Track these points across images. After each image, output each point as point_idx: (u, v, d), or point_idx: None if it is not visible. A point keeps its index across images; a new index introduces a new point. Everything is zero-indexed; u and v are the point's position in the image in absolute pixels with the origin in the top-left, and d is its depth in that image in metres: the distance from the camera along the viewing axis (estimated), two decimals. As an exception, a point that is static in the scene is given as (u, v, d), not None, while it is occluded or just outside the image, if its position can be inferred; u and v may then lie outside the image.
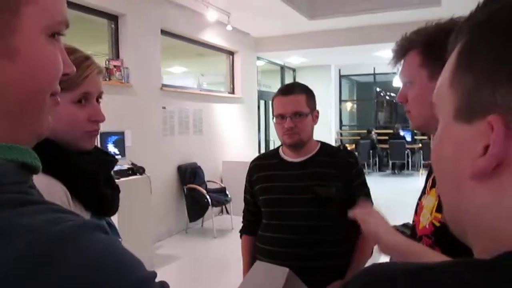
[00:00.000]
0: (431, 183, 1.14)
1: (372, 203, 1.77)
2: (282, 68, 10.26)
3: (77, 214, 0.47)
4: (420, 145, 11.95)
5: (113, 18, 5.03)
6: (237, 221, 6.16)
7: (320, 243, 1.65)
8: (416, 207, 1.22)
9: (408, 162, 11.55)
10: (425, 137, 12.37)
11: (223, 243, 5.59)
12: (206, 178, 6.24)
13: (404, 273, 0.40)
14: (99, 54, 5.28)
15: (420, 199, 1.21)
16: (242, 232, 1.93)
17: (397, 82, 8.24)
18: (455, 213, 0.46)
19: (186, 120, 6.15)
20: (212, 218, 5.87)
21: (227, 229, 6.08)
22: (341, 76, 12.53)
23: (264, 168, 1.81)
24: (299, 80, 10.73)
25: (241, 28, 7.39)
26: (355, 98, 16.13)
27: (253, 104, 8.29)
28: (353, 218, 1.11)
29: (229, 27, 6.47)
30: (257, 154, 8.39)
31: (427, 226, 1.07)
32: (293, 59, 9.62)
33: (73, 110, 0.99)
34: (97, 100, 1.05)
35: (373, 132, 12.24)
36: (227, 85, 7.79)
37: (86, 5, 4.59)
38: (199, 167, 6.20)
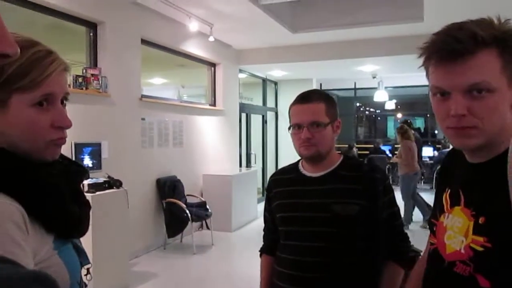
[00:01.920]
0: (449, 201, 1.03)
1: (403, 224, 1.63)
2: (264, 81, 10.21)
3: (13, 262, 0.33)
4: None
5: (92, 26, 4.87)
6: (218, 237, 6.07)
7: (340, 267, 1.48)
8: (432, 228, 1.10)
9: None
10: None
11: (203, 260, 5.41)
12: (186, 192, 6.07)
13: None
14: (77, 63, 5.10)
15: (434, 218, 1.10)
16: (262, 251, 1.80)
17: (378, 97, 8.32)
18: None
19: (166, 132, 5.99)
20: (192, 233, 5.69)
21: (207, 245, 5.91)
22: (322, 90, 12.57)
23: (282, 183, 1.67)
24: (281, 93, 10.72)
25: (223, 39, 7.31)
26: (335, 113, 16.21)
27: (235, 117, 8.18)
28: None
29: (211, 39, 6.38)
30: (238, 168, 8.33)
31: (462, 250, 0.94)
32: (275, 72, 9.59)
33: (32, 114, 0.82)
34: (62, 103, 0.88)
35: (354, 148, 12.29)
36: (208, 97, 7.67)
37: (64, 11, 4.43)
38: (179, 181, 6.03)
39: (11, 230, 0.72)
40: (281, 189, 1.66)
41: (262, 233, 1.84)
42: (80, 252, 0.93)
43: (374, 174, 1.55)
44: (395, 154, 8.09)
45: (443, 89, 0.92)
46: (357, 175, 1.54)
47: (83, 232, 0.94)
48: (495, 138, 0.92)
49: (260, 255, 1.80)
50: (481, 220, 0.90)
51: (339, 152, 1.67)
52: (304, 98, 1.57)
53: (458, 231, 0.96)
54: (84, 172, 1.00)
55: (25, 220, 0.76)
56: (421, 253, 1.88)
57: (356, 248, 1.50)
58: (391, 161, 7.86)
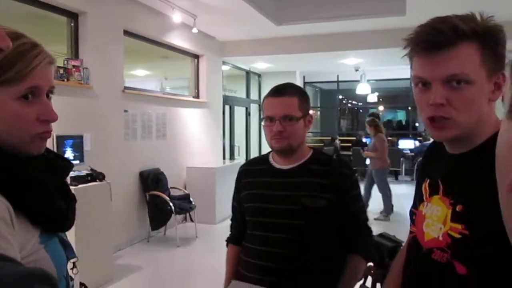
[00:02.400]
0: (428, 190, 1.06)
1: (367, 219, 1.66)
2: (248, 73, 10.19)
3: (16, 261, 0.33)
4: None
5: (73, 16, 4.78)
6: (202, 229, 6.06)
7: (306, 259, 1.52)
8: (412, 217, 1.13)
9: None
10: (388, 145, 12.64)
11: (187, 252, 5.41)
12: (169, 185, 6.05)
13: None
14: (57, 54, 5.00)
15: (414, 207, 1.13)
16: (228, 240, 1.81)
17: (361, 90, 8.36)
18: (509, 227, 0.38)
19: (149, 124, 5.95)
20: (176, 226, 5.68)
21: (191, 237, 5.91)
22: (305, 83, 12.60)
23: (252, 174, 1.69)
24: (264, 86, 10.72)
25: (207, 31, 7.26)
26: (318, 105, 16.30)
27: (218, 109, 8.16)
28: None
29: (194, 30, 6.33)
30: (221, 160, 8.32)
31: (440, 238, 0.97)
32: (258, 64, 9.57)
33: (18, 107, 0.81)
34: (48, 96, 0.87)
35: (337, 140, 12.38)
36: (192, 89, 7.62)
37: (44, 0, 4.33)
38: (162, 173, 6.00)
39: None
40: (251, 179, 1.68)
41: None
42: (66, 246, 0.93)
43: (342, 169, 1.59)
44: (365, 148, 7.80)
45: (425, 79, 0.95)
46: (326, 169, 1.57)
47: (69, 226, 0.94)
48: (473, 130, 0.94)
49: (227, 245, 1.81)
50: (458, 208, 0.93)
51: (310, 146, 1.70)
52: (278, 91, 1.59)
53: (437, 219, 0.98)
54: (70, 167, 0.99)
55: (11, 215, 0.75)
56: (403, 244, 1.93)
57: (323, 241, 1.54)
58: (363, 155, 7.65)
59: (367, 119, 7.37)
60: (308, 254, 1.52)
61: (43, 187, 0.85)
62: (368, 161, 7.52)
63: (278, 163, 1.63)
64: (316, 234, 1.53)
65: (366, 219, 1.65)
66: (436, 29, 0.91)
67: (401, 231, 2.21)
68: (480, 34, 0.90)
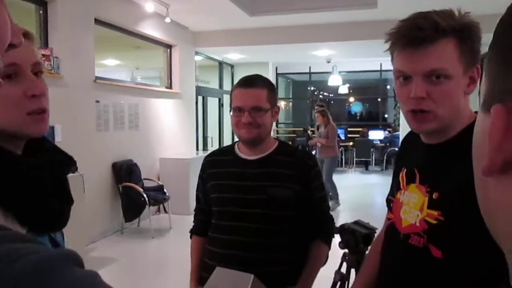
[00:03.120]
0: (405, 179, 1.11)
1: (329, 207, 1.75)
2: (221, 64, 10.15)
3: (38, 241, 0.35)
4: (352, 143, 12.42)
5: (42, 4, 4.65)
6: (176, 220, 6.05)
7: (271, 248, 1.56)
8: (389, 204, 1.19)
9: (341, 159, 11.94)
10: (358, 135, 12.90)
11: (162, 244, 5.40)
12: (142, 176, 6.00)
13: None
14: (25, 42, 4.85)
15: (392, 195, 1.18)
16: (192, 232, 1.81)
17: (332, 82, 8.39)
18: (483, 210, 0.40)
19: (121, 115, 5.86)
20: (150, 217, 5.65)
21: (165, 229, 5.89)
22: (278, 74, 12.65)
23: (217, 164, 1.71)
24: (237, 77, 10.68)
25: (180, 21, 7.18)
26: (291, 97, 16.39)
27: (191, 100, 8.11)
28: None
29: (167, 20, 6.26)
30: (195, 151, 8.26)
31: (417, 223, 1.02)
32: (231, 55, 9.54)
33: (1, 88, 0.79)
34: (36, 75, 0.82)
35: (309, 131, 12.50)
36: (165, 80, 7.54)
37: (11, -13, 4.19)
38: (135, 164, 5.94)
39: None
40: (216, 170, 1.70)
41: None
42: (57, 245, 0.90)
43: (307, 160, 1.65)
44: (314, 136, 7.73)
45: (406, 73, 0.99)
46: (292, 160, 1.62)
47: (60, 227, 0.90)
48: (449, 122, 1.00)
49: (191, 237, 1.82)
50: (435, 195, 0.99)
51: (275, 137, 1.74)
52: (248, 82, 1.61)
53: (414, 206, 1.04)
54: (72, 164, 0.94)
55: None
56: (377, 231, 2.00)
57: (289, 230, 1.59)
58: (310, 143, 7.53)
59: (319, 108, 7.27)
60: (274, 243, 1.56)
61: (35, 185, 0.80)
62: (316, 152, 7.38)
63: (244, 154, 1.65)
64: (282, 223, 1.58)
65: (328, 207, 1.74)
66: (417, 25, 0.95)
67: (373, 219, 2.29)
68: (458, 30, 0.95)
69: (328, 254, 1.69)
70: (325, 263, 1.69)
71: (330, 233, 1.69)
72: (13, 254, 0.30)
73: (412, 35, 0.95)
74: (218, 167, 1.70)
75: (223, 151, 1.79)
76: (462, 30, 0.95)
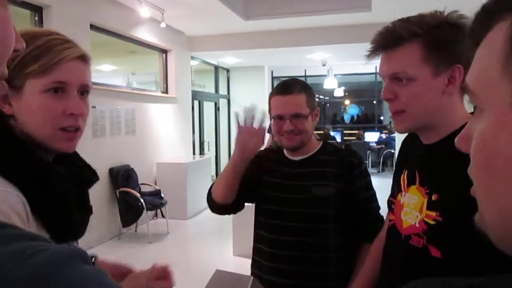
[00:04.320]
0: (406, 180, 1.13)
1: (379, 207, 1.66)
2: (216, 68, 10.16)
3: (46, 239, 0.36)
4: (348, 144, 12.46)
5: (37, 9, 4.65)
6: (173, 225, 6.05)
7: (317, 247, 1.55)
8: (390, 206, 1.20)
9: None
10: (354, 138, 12.94)
11: (159, 248, 5.39)
12: (139, 181, 6.00)
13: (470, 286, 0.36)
14: (20, 49, 4.85)
15: (393, 197, 1.19)
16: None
17: (328, 85, 8.38)
18: (509, 216, 0.40)
19: (118, 120, 5.86)
20: (147, 222, 5.65)
21: (163, 233, 5.89)
22: (273, 78, 12.68)
23: (269, 161, 1.71)
24: (233, 80, 10.72)
25: (175, 26, 7.20)
26: (286, 100, 16.38)
27: (187, 104, 8.12)
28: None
29: (163, 25, 6.27)
30: (191, 156, 8.25)
31: (416, 224, 1.03)
32: (227, 59, 9.57)
33: (44, 100, 0.80)
34: (83, 95, 0.86)
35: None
36: (161, 85, 7.55)
37: (6, -6, 4.19)
38: (132, 170, 5.94)
39: (15, 221, 0.71)
40: (266, 166, 1.69)
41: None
42: None
43: (350, 159, 1.62)
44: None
45: (382, 76, 1.07)
46: (335, 159, 1.61)
47: (79, 235, 0.93)
48: (433, 121, 1.02)
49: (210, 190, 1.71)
50: (434, 197, 1.00)
51: (318, 138, 1.73)
52: (285, 89, 1.58)
53: (414, 208, 1.05)
54: (96, 179, 0.97)
55: (27, 212, 0.74)
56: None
57: (334, 229, 1.56)
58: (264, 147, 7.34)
59: None
60: (320, 242, 1.55)
61: (62, 199, 0.82)
62: None
63: (289, 155, 1.66)
64: (327, 222, 1.55)
65: (377, 207, 1.66)
66: (383, 33, 1.03)
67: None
68: (420, 34, 0.99)
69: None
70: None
71: (377, 234, 1.62)
72: (27, 251, 0.31)
73: (378, 41, 1.03)
74: (270, 163, 1.70)
75: (274, 149, 1.77)
76: (426, 33, 0.99)
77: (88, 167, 0.98)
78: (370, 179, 1.65)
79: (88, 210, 0.94)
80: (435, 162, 1.05)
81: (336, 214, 1.56)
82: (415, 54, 0.99)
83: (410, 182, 1.10)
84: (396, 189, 1.18)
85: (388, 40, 1.01)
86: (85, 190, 0.94)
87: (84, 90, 0.87)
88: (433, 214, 0.99)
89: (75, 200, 0.87)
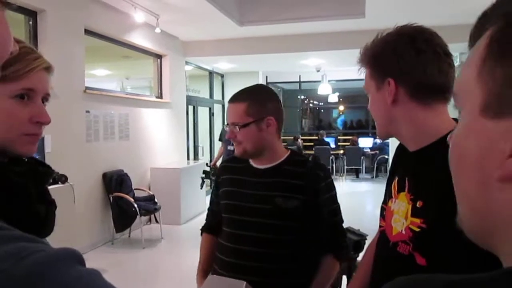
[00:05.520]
0: (397, 187, 1.13)
1: (342, 220, 1.67)
2: (211, 74, 10.18)
3: (42, 241, 0.36)
4: (343, 151, 12.50)
5: (31, 14, 4.64)
6: (167, 230, 6.03)
7: (278, 258, 1.53)
8: (382, 212, 1.20)
9: (332, 167, 11.99)
10: (348, 143, 12.98)
11: (153, 254, 5.37)
12: (133, 186, 5.97)
13: (445, 285, 0.36)
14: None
15: (385, 203, 1.20)
16: (203, 229, 1.84)
17: (322, 90, 8.48)
18: (481, 217, 0.42)
19: (111, 125, 5.85)
20: (141, 227, 5.62)
21: (156, 239, 5.86)
22: (268, 83, 12.72)
23: (230, 170, 1.71)
24: (228, 86, 10.73)
25: (170, 31, 7.21)
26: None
27: (182, 110, 8.11)
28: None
29: (158, 30, 6.28)
30: (185, 161, 8.25)
31: (403, 231, 1.04)
32: (221, 64, 9.59)
33: (11, 105, 0.83)
34: (43, 103, 0.89)
35: (299, 139, 12.56)
36: (155, 90, 7.54)
37: (0, -2, 4.18)
38: (126, 175, 5.91)
39: None
40: (229, 176, 1.70)
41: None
42: None
43: (317, 171, 1.59)
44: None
45: None
46: (301, 171, 1.58)
47: (48, 231, 0.92)
48: (393, 129, 1.10)
49: (201, 234, 1.85)
50: (418, 203, 1.01)
51: (287, 147, 1.71)
52: (232, 97, 1.62)
53: (401, 214, 1.06)
54: (51, 173, 0.99)
55: None
56: (367, 237, 2.01)
57: (295, 240, 1.55)
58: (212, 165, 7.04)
59: None
60: (280, 253, 1.54)
61: (24, 193, 0.84)
62: None
63: (255, 163, 1.65)
64: (288, 233, 1.54)
65: (341, 220, 1.66)
66: (360, 55, 1.16)
67: (364, 226, 2.31)
68: (367, 55, 1.11)
69: (338, 269, 1.64)
70: (333, 279, 1.64)
71: (342, 247, 1.63)
72: (22, 252, 0.31)
73: (360, 63, 1.15)
74: (230, 173, 1.70)
75: (239, 158, 1.73)
76: (370, 56, 1.10)
77: (43, 163, 0.99)
78: (335, 192, 1.65)
79: (51, 203, 0.94)
80: (419, 169, 1.06)
81: (298, 226, 1.55)
82: (368, 72, 1.13)
83: (400, 188, 1.11)
84: (387, 196, 1.19)
85: (360, 63, 1.15)
86: (44, 185, 0.96)
87: (44, 98, 0.90)
88: (418, 221, 1.00)
89: (36, 194, 0.88)
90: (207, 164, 6.80)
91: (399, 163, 1.22)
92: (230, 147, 6.08)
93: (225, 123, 1.69)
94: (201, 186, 6.79)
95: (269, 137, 1.59)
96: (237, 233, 1.60)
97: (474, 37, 0.44)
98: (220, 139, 6.44)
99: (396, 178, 1.15)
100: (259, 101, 1.60)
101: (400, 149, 1.24)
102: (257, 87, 1.72)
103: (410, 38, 1.03)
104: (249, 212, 1.57)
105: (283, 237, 1.55)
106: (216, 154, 6.55)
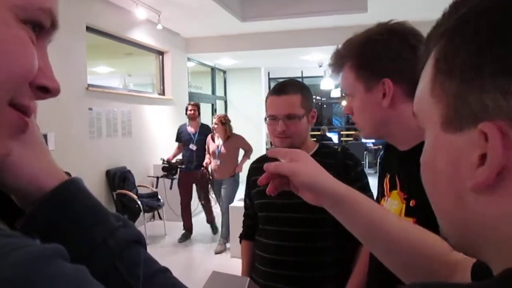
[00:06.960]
0: (389, 185, 1.13)
1: None
2: (213, 70, 10.16)
3: (28, 237, 0.35)
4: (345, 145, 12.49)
5: (33, 12, 4.64)
6: (170, 227, 6.04)
7: (314, 251, 1.54)
8: None
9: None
10: (351, 139, 12.96)
11: (156, 250, 5.38)
12: (136, 183, 5.98)
13: None
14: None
15: (377, 202, 1.20)
16: (241, 237, 1.84)
17: (324, 85, 8.44)
18: (462, 228, 0.42)
19: (114, 122, 5.85)
20: (144, 224, 5.63)
21: (160, 235, 5.88)
22: (270, 79, 12.69)
23: (261, 170, 1.72)
24: (230, 82, 10.71)
25: (171, 27, 7.20)
26: (283, 101, 16.38)
27: (184, 106, 8.08)
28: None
29: (159, 27, 6.27)
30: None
31: None
32: (223, 60, 9.57)
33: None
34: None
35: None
36: (157, 86, 7.54)
37: (2, -4, 4.19)
38: (129, 171, 5.92)
39: None
40: (259, 176, 1.69)
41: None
42: None
43: (347, 161, 1.61)
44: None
45: None
46: (331, 162, 1.57)
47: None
48: (384, 130, 1.06)
49: (240, 241, 1.84)
50: (412, 203, 1.01)
51: (315, 140, 1.72)
52: (280, 89, 1.59)
53: (394, 213, 1.06)
54: None
55: None
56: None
57: (334, 232, 1.54)
58: (205, 165, 5.76)
59: (220, 114, 5.77)
60: (315, 246, 1.55)
61: None
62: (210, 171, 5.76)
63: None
64: (322, 226, 1.54)
65: None
66: (331, 59, 1.16)
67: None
68: (349, 56, 1.08)
69: None
70: None
71: None
72: (5, 248, 0.30)
73: (331, 67, 1.15)
74: (261, 173, 1.69)
75: (266, 157, 1.74)
76: (354, 54, 1.07)
77: None
78: (367, 180, 1.65)
79: None
80: (410, 168, 1.05)
81: (332, 218, 1.55)
82: (351, 74, 1.07)
83: (392, 187, 1.11)
84: (380, 194, 1.19)
85: (333, 68, 1.13)
86: None
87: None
88: (410, 220, 0.99)
89: None
90: (163, 160, 5.89)
91: (389, 160, 1.21)
92: (192, 146, 5.87)
93: (265, 117, 1.64)
94: (171, 186, 5.94)
95: (308, 131, 1.63)
96: (276, 230, 1.60)
97: (426, 51, 0.45)
98: (177, 140, 6.06)
99: (388, 176, 1.14)
100: (307, 93, 1.63)
101: (390, 146, 1.24)
102: (296, 81, 1.71)
103: (401, 35, 1.01)
104: (282, 208, 1.57)
105: (319, 230, 1.55)
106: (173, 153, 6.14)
